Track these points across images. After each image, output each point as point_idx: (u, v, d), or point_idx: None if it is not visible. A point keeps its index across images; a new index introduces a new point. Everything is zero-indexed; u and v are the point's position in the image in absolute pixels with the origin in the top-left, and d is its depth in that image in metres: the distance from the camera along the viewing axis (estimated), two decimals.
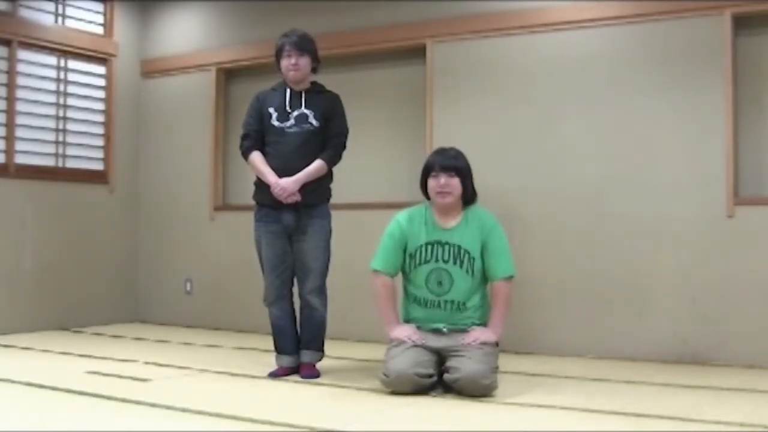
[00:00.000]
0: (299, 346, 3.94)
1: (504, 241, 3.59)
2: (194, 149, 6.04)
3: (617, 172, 4.54)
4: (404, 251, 3.60)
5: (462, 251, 3.52)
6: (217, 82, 5.97)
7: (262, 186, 3.91)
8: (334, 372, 3.97)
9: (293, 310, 3.99)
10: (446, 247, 3.54)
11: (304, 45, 3.89)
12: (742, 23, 4.33)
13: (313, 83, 3.99)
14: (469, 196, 3.61)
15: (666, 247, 4.40)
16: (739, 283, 4.22)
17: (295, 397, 3.42)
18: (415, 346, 3.45)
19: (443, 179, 3.53)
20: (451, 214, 3.58)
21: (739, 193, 4.30)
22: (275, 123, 3.87)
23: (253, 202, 4.03)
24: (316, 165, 3.82)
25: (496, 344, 3.55)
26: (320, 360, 3.95)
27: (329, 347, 4.10)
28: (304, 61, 3.89)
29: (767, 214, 4.20)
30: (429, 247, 3.55)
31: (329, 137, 3.89)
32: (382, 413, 3.11)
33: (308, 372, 3.84)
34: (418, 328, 3.55)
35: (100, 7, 6.08)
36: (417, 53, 5.17)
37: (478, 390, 3.30)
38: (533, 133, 4.74)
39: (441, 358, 3.46)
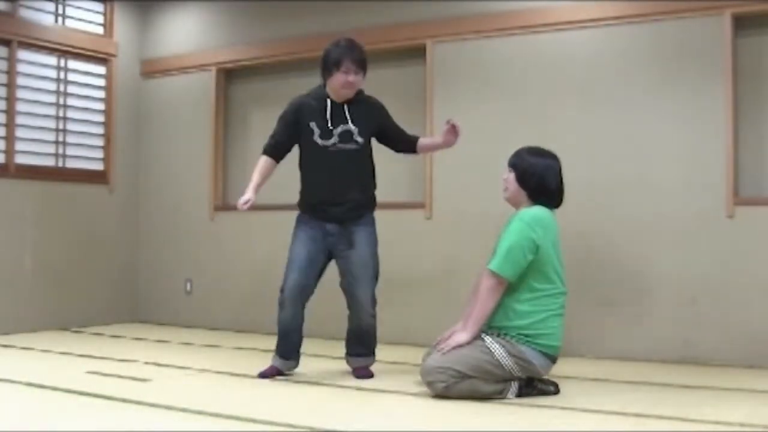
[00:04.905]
0: (299, 352, 3.88)
1: (508, 237, 3.36)
2: (194, 149, 6.04)
3: (617, 172, 4.54)
4: None
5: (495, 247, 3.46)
6: (217, 82, 5.96)
7: (306, 198, 3.85)
8: (334, 372, 3.97)
9: (303, 317, 3.85)
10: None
11: (364, 62, 3.70)
12: (742, 23, 4.33)
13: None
14: (531, 192, 3.46)
15: (666, 247, 4.40)
16: (739, 283, 4.22)
17: (295, 397, 3.42)
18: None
19: (504, 175, 3.54)
20: (518, 209, 3.50)
21: (739, 193, 4.30)
22: (318, 141, 3.73)
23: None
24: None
25: (525, 360, 3.30)
26: (373, 363, 3.89)
27: (331, 347, 4.10)
28: (360, 79, 3.71)
29: (767, 214, 4.20)
30: None
31: (401, 134, 3.93)
32: (382, 413, 3.11)
33: (362, 372, 3.81)
34: None
35: (100, 7, 6.08)
36: (417, 53, 5.17)
37: (425, 384, 3.35)
38: (533, 132, 4.73)
39: None
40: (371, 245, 3.82)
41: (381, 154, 5.58)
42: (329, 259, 3.88)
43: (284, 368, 3.86)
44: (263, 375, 3.82)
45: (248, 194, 3.75)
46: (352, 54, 3.65)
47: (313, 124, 3.72)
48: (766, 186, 4.32)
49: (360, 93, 3.82)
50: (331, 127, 3.71)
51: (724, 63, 4.27)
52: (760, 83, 4.33)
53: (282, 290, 3.82)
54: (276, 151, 3.86)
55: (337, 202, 3.75)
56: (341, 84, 3.67)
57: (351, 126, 3.72)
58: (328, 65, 3.69)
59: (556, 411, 3.09)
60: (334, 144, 3.71)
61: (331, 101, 3.72)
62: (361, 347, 3.86)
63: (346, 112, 3.72)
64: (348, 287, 3.81)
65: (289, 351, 3.85)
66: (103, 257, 6.05)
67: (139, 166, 6.34)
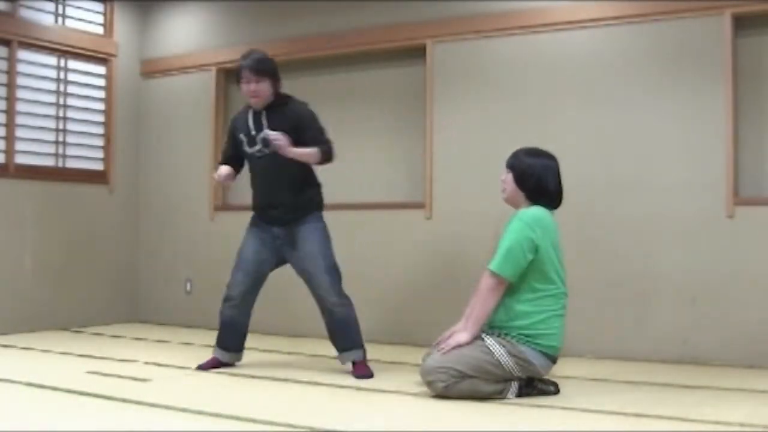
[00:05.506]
0: (243, 346, 4.11)
1: (508, 236, 3.35)
2: (194, 149, 6.04)
3: (617, 172, 4.54)
4: None
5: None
6: (217, 82, 5.96)
7: (255, 201, 4.04)
8: (333, 372, 3.97)
9: (249, 314, 4.08)
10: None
11: (262, 69, 3.79)
12: (742, 23, 4.33)
13: (278, 96, 3.90)
14: (529, 193, 3.44)
15: (666, 247, 4.40)
16: (739, 283, 4.22)
17: (295, 397, 3.42)
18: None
19: (503, 176, 3.52)
20: (517, 209, 3.47)
21: (739, 193, 4.30)
22: (246, 150, 3.93)
23: (250, 204, 4.06)
24: (308, 150, 3.78)
25: (525, 360, 3.30)
26: (365, 356, 3.93)
27: (330, 347, 4.09)
28: (264, 86, 3.81)
29: (767, 214, 4.20)
30: None
31: (315, 144, 3.83)
32: (382, 413, 3.11)
33: (361, 371, 3.84)
34: None
35: (100, 7, 6.08)
36: (417, 53, 5.17)
37: (425, 384, 3.36)
38: (533, 132, 4.74)
39: None
40: (318, 239, 3.88)
41: (381, 154, 5.60)
42: (280, 262, 4.01)
43: (225, 359, 4.06)
44: (201, 367, 4.01)
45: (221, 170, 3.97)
46: (248, 64, 3.79)
47: (241, 135, 3.93)
48: (766, 186, 4.32)
49: (287, 98, 3.93)
50: (253, 135, 3.88)
51: (724, 63, 4.27)
52: (760, 83, 4.33)
53: (228, 287, 4.04)
54: (228, 162, 4.05)
55: (273, 205, 3.92)
56: (244, 93, 3.86)
57: (267, 131, 3.82)
58: (237, 79, 3.89)
59: (556, 411, 3.09)
60: (259, 150, 3.87)
61: (253, 110, 3.91)
62: (343, 340, 3.90)
63: (263, 119, 3.86)
64: (307, 283, 3.92)
65: (231, 343, 4.06)
66: (103, 257, 6.05)
67: (139, 166, 6.34)
